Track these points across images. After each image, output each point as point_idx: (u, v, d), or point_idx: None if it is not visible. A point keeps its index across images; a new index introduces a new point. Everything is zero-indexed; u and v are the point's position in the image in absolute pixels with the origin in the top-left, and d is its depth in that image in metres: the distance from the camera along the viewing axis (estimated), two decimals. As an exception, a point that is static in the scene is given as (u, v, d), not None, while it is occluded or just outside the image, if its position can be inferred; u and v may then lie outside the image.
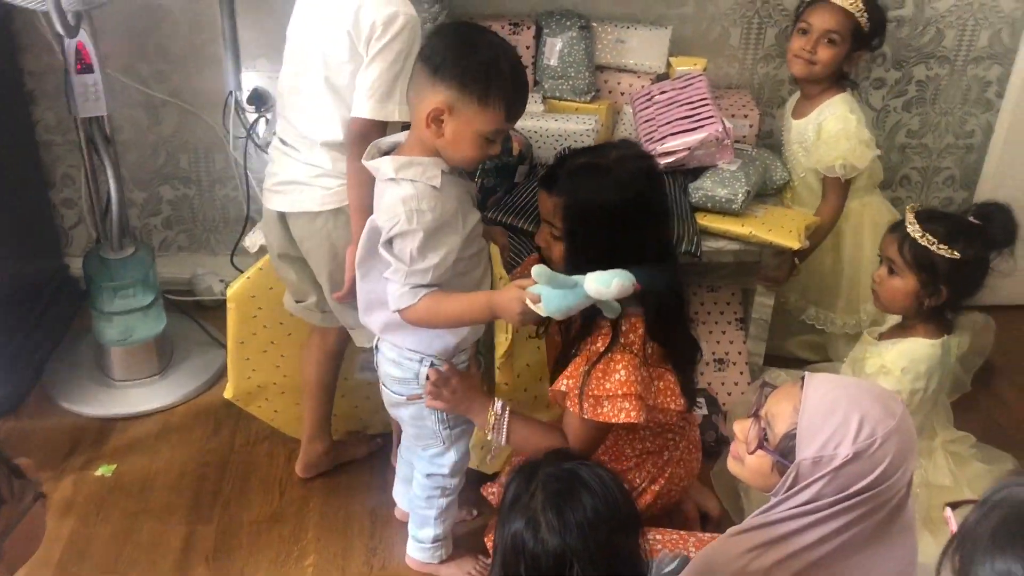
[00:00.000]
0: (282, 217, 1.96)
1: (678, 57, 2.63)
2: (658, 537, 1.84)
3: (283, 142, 1.96)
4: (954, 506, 1.08)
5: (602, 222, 1.74)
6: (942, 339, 2.05)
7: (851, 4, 2.38)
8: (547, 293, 1.57)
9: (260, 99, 2.67)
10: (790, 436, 1.34)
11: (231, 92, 2.70)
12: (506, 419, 1.80)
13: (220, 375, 2.60)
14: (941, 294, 2.00)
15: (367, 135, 1.76)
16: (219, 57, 2.69)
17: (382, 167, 1.65)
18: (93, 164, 2.48)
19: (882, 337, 2.13)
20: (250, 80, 2.69)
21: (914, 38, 2.79)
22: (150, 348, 2.57)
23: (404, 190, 1.62)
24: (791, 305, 2.67)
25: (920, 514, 2.11)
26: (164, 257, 2.94)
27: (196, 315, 2.82)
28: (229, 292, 2.15)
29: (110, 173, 2.44)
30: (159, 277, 2.62)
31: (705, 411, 2.39)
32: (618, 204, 1.73)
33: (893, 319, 2.18)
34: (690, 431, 1.98)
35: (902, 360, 2.02)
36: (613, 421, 1.75)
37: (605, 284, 1.56)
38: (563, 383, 1.79)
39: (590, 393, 1.74)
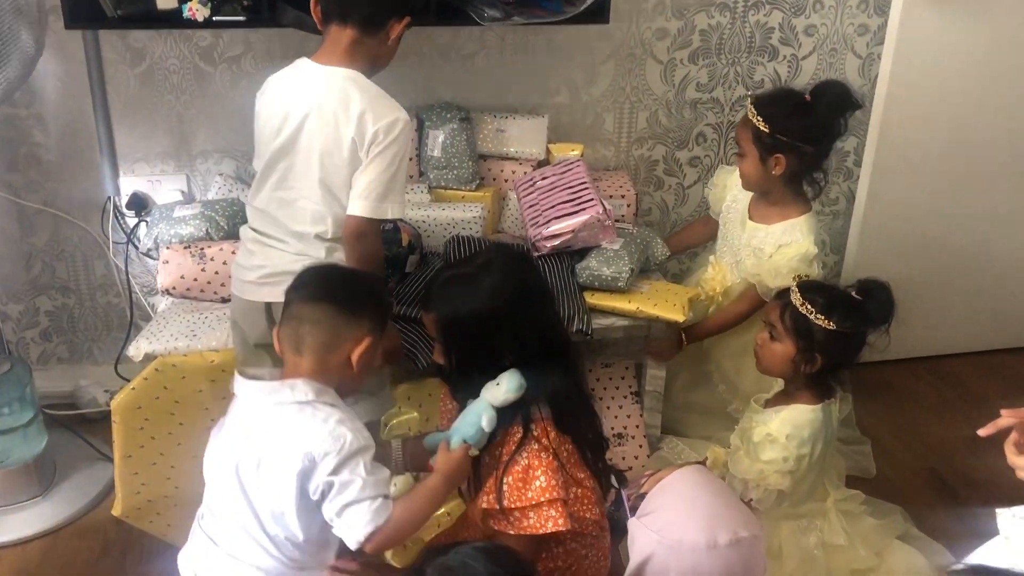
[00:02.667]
0: (267, 308, 1.96)
1: (556, 144, 2.73)
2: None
3: (261, 233, 2.00)
4: None
5: (476, 331, 1.74)
6: (823, 404, 2.13)
7: (749, 110, 2.32)
8: (466, 433, 1.67)
9: (140, 203, 2.64)
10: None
11: (109, 198, 2.66)
12: None
13: (108, 491, 2.48)
14: (816, 362, 2.08)
15: (364, 233, 1.91)
16: (95, 163, 2.65)
17: (294, 390, 1.56)
18: (-38, 280, 2.39)
19: (767, 404, 2.20)
20: (129, 184, 2.66)
21: (776, 115, 2.97)
22: (29, 469, 2.44)
23: (331, 413, 1.55)
24: (719, 395, 2.63)
25: (820, 575, 2.17)
26: (43, 371, 2.82)
27: (80, 429, 2.70)
28: (113, 404, 2.08)
29: (-19, 289, 2.35)
30: (38, 392, 2.51)
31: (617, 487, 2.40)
32: (489, 311, 1.72)
33: (776, 384, 2.26)
34: (602, 539, 1.95)
35: (786, 427, 2.09)
36: (540, 532, 1.67)
37: (502, 390, 1.69)
38: (484, 499, 1.71)
39: (513, 506, 1.68)
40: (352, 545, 1.52)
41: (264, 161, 2.00)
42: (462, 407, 1.76)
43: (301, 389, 1.55)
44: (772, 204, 2.44)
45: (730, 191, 2.58)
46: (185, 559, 1.73)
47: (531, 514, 1.67)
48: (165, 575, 2.23)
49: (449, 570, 1.24)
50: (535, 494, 1.66)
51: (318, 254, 1.93)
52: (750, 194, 2.50)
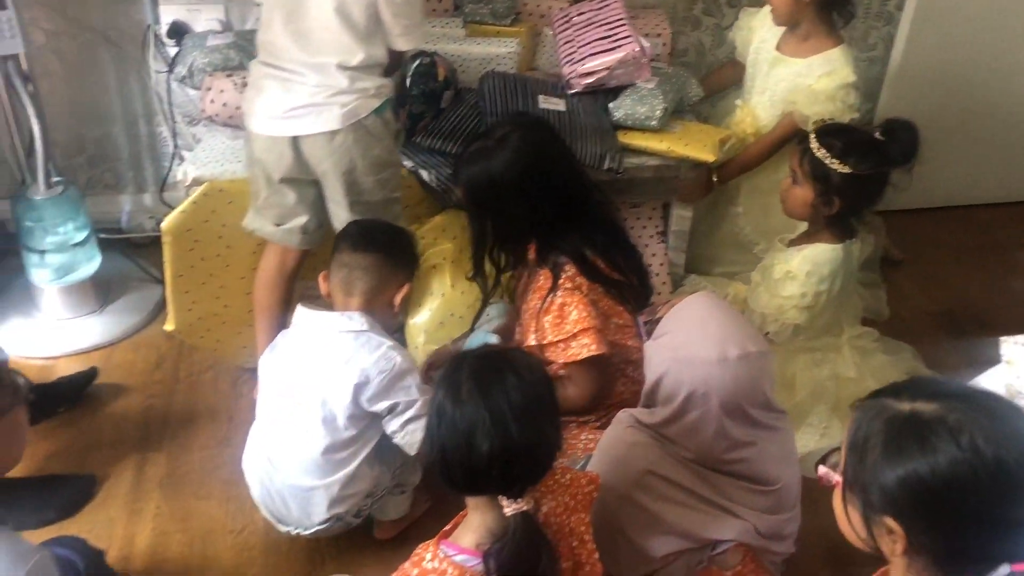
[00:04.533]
0: (293, 142, 2.01)
1: (594, -22, 2.68)
2: (583, 436, 2.00)
3: (277, 68, 1.99)
4: (823, 461, 1.18)
5: (495, 201, 1.90)
6: (844, 243, 2.19)
7: None
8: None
9: (180, 32, 2.65)
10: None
11: (149, 26, 2.67)
12: None
13: (159, 310, 2.63)
14: (834, 204, 2.13)
15: (404, 62, 2.15)
16: (135, -10, 2.66)
17: (352, 320, 1.82)
18: (13, 104, 2.45)
19: (791, 244, 2.27)
20: (168, 13, 2.66)
21: (820, -46, 2.88)
22: (86, 286, 2.59)
23: (383, 341, 1.82)
24: (745, 237, 2.69)
25: (829, 404, 2.29)
26: (91, 196, 2.91)
27: (128, 252, 2.83)
28: (164, 226, 2.18)
29: (32, 112, 2.41)
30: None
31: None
32: (503, 184, 1.87)
33: (802, 227, 2.32)
34: None
35: (806, 265, 2.17)
36: (579, 359, 1.87)
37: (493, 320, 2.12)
38: (530, 338, 1.93)
39: (556, 339, 1.88)
40: (411, 452, 1.85)
41: None
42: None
43: (357, 320, 1.83)
44: (804, 39, 2.44)
45: (756, 33, 2.58)
46: (247, 470, 1.95)
47: (572, 343, 1.88)
48: (216, 386, 2.43)
49: (487, 359, 1.36)
50: (571, 326, 1.87)
51: (340, 84, 1.94)
52: (779, 34, 2.50)
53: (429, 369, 2.07)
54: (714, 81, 2.81)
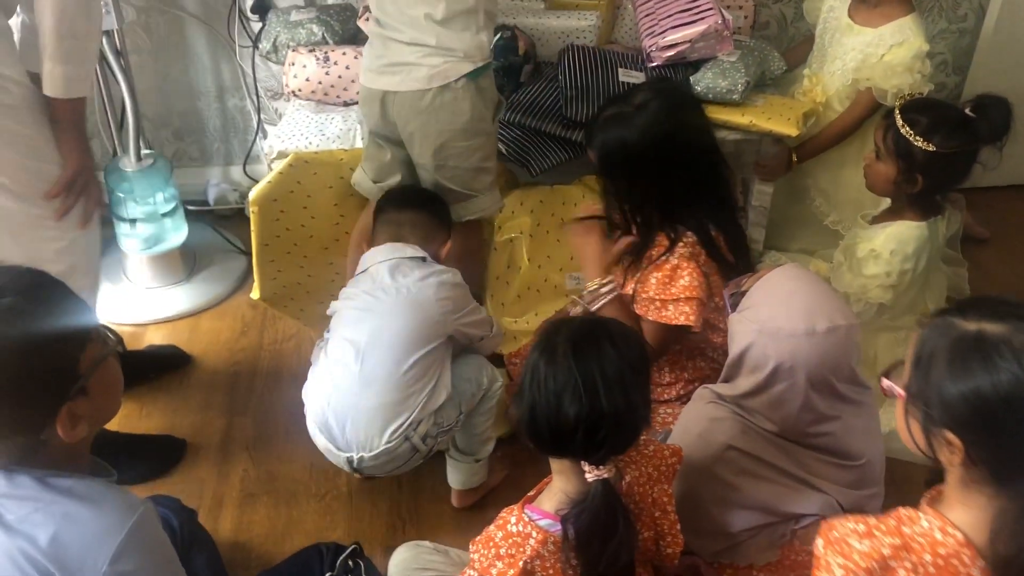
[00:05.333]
0: (383, 98, 2.04)
1: (675, -50, 2.65)
2: (661, 411, 2.01)
3: (382, 24, 2.01)
4: (887, 374, 1.20)
5: (627, 167, 1.88)
6: (929, 221, 2.14)
7: None
8: None
9: (264, 7, 2.70)
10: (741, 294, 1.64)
11: (234, 1, 2.73)
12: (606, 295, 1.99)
13: (243, 280, 2.71)
14: (917, 182, 2.07)
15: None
16: (220, -35, 2.71)
17: (414, 249, 1.96)
18: (106, 78, 2.53)
19: (874, 221, 2.23)
20: (252, -13, 2.72)
21: (909, -78, 2.81)
22: (174, 256, 2.67)
23: (443, 267, 1.95)
24: (815, 208, 2.66)
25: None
26: (177, 168, 2.98)
27: (214, 224, 2.91)
28: (251, 197, 2.23)
29: (124, 86, 2.48)
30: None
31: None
32: (638, 150, 1.85)
33: (885, 203, 2.28)
34: None
35: (891, 243, 2.12)
36: (673, 323, 1.88)
37: None
38: (630, 287, 1.94)
39: (656, 296, 1.89)
40: (490, 330, 2.02)
41: None
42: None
43: (420, 250, 1.95)
44: (874, 6, 2.40)
45: (825, 1, 2.53)
46: (311, 393, 1.96)
47: (670, 306, 1.89)
48: (299, 353, 2.49)
49: (586, 325, 1.39)
50: (678, 290, 1.88)
51: (428, 40, 1.92)
52: (848, 1, 2.46)
53: None
54: (795, 55, 2.77)
